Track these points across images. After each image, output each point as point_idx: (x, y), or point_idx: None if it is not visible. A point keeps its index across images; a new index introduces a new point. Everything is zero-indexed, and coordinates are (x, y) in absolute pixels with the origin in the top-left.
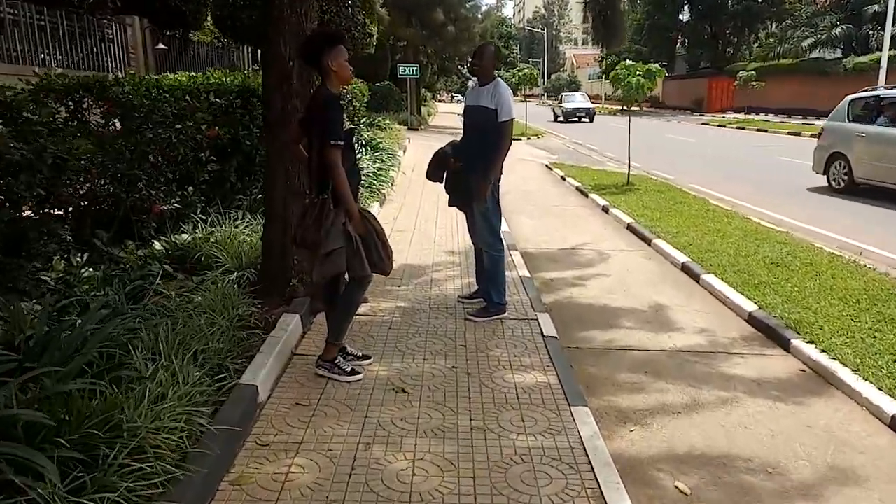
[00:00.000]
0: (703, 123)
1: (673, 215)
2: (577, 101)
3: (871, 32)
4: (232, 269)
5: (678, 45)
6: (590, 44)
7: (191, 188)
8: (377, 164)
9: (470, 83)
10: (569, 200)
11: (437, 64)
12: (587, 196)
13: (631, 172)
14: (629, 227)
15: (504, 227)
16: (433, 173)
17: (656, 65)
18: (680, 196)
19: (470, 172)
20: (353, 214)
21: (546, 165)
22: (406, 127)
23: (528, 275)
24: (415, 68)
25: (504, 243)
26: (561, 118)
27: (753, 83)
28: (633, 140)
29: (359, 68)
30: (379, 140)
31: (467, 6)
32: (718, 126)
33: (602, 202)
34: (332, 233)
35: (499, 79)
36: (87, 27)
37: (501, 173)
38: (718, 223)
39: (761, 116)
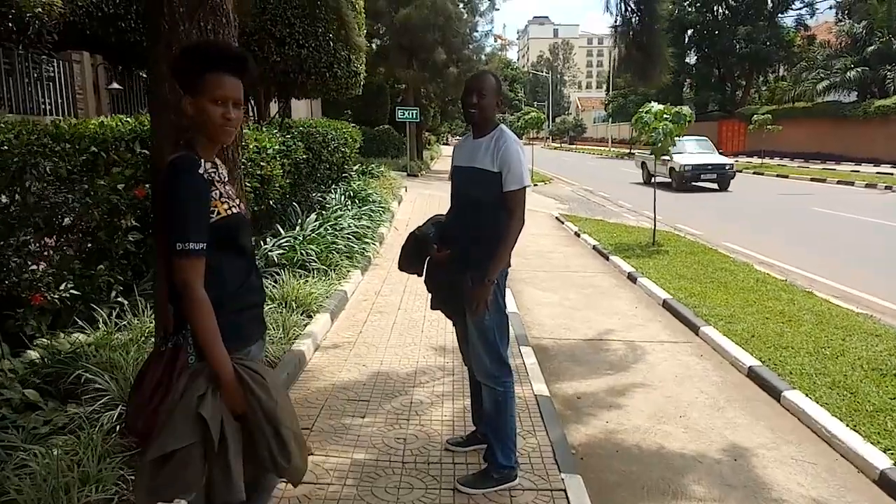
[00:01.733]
0: None
1: (717, 288)
2: (700, 153)
3: (888, 74)
4: (118, 399)
5: (685, 87)
6: (594, 87)
7: (101, 266)
8: (363, 221)
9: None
10: (587, 264)
11: (438, 107)
12: (608, 259)
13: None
14: (666, 305)
15: (510, 305)
16: (408, 263)
17: (685, 107)
18: (719, 260)
19: (462, 266)
20: (222, 378)
21: (557, 218)
22: (405, 173)
23: (545, 392)
24: (415, 112)
25: (512, 372)
26: (666, 179)
27: (769, 126)
28: (647, 186)
29: (354, 112)
30: (370, 191)
31: (470, 47)
32: (735, 171)
33: (627, 268)
34: (178, 415)
35: (503, 126)
36: (20, 64)
37: (510, 265)
38: (778, 301)
39: (777, 161)
